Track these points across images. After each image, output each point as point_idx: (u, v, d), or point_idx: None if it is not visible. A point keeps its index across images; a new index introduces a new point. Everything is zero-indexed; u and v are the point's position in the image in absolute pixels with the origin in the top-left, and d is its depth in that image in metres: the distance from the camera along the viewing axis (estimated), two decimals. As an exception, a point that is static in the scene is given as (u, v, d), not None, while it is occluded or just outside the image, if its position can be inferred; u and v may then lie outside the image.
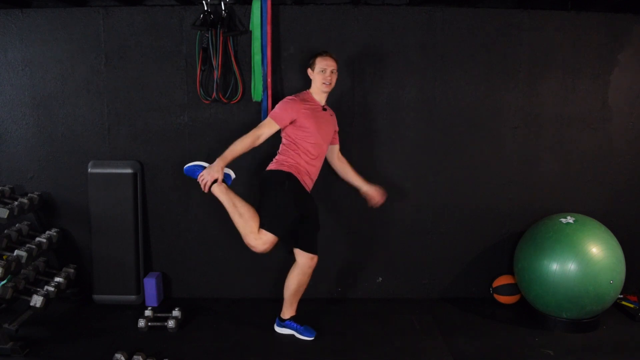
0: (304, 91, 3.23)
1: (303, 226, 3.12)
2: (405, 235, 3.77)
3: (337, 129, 3.37)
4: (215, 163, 3.01)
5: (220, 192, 3.07)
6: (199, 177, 3.06)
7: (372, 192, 3.39)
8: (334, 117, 3.32)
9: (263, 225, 3.01)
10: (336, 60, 3.18)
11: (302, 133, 3.09)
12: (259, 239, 3.01)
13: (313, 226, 3.19)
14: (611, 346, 3.15)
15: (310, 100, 3.17)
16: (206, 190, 3.04)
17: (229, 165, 3.08)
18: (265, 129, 3.07)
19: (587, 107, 3.67)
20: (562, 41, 3.59)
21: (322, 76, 3.12)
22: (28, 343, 3.08)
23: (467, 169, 3.71)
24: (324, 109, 3.22)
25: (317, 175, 3.22)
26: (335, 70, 3.16)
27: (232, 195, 3.07)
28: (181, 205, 3.71)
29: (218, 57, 3.41)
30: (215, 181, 3.03)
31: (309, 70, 3.19)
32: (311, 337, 3.21)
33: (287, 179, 3.07)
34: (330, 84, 3.15)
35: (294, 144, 3.12)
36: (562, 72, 3.62)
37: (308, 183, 3.18)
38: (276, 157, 3.19)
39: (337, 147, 3.40)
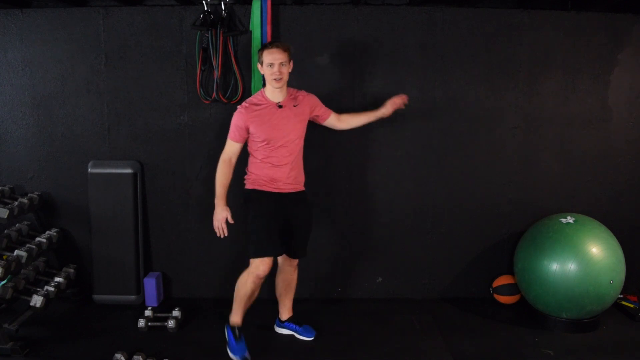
0: (260, 90, 3.04)
1: (289, 233, 3.06)
2: (405, 235, 3.77)
3: (314, 110, 3.13)
4: (216, 208, 2.91)
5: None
6: (214, 225, 2.91)
7: (389, 108, 3.23)
8: (304, 105, 3.05)
9: (249, 253, 2.93)
10: (287, 51, 2.90)
11: (255, 142, 2.95)
12: (250, 273, 2.90)
13: (299, 231, 3.11)
14: (611, 346, 3.15)
15: (262, 102, 2.95)
16: (225, 233, 2.90)
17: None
18: (229, 151, 2.97)
19: (587, 107, 3.67)
20: (562, 41, 3.59)
21: (270, 71, 2.87)
22: (28, 343, 3.08)
23: (467, 169, 3.71)
24: (280, 106, 2.96)
25: (293, 172, 3.03)
26: (285, 62, 2.88)
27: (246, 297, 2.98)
28: (181, 205, 3.71)
29: (218, 57, 3.41)
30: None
31: (258, 65, 2.96)
32: (311, 338, 3.21)
33: (252, 198, 2.99)
34: (281, 78, 2.89)
35: (252, 154, 3.02)
36: (562, 72, 3.62)
37: (282, 187, 3.00)
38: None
39: (332, 116, 3.21)
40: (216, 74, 3.44)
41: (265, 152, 2.96)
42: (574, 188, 3.75)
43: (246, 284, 2.94)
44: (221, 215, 2.89)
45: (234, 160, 2.99)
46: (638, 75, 3.65)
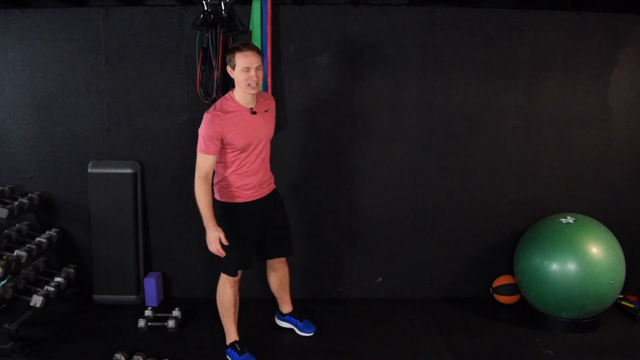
0: (225, 96, 2.79)
1: (266, 238, 3.01)
2: (405, 235, 3.77)
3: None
4: (207, 230, 2.69)
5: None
6: (211, 250, 2.72)
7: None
8: (272, 110, 2.94)
9: (219, 267, 2.91)
10: (260, 54, 2.73)
11: (228, 152, 2.74)
12: (225, 280, 2.90)
13: (279, 231, 3.07)
14: (611, 346, 3.15)
15: (233, 108, 2.72)
16: (223, 254, 2.74)
17: None
18: (205, 166, 2.68)
19: (587, 107, 3.67)
20: (562, 41, 3.59)
21: (245, 76, 2.64)
22: (28, 343, 3.08)
23: (467, 169, 3.71)
24: (254, 112, 2.78)
25: (266, 175, 2.93)
26: (260, 66, 2.68)
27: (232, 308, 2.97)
28: (181, 205, 3.71)
29: (218, 57, 3.41)
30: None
31: (229, 69, 2.71)
32: (311, 333, 3.22)
33: (224, 212, 2.85)
34: (257, 84, 2.68)
35: (222, 165, 2.79)
36: (562, 72, 3.62)
37: (258, 194, 2.88)
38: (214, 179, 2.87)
39: None
40: (216, 74, 3.44)
41: (239, 162, 2.76)
42: (574, 188, 3.75)
43: (226, 293, 2.92)
44: (214, 237, 2.66)
45: (210, 175, 2.71)
46: (638, 75, 3.65)
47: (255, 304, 3.70)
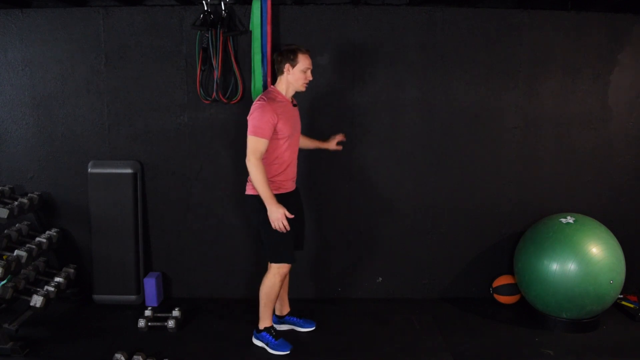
0: (270, 88, 2.99)
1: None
2: (405, 235, 3.77)
3: None
4: (271, 208, 2.79)
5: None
6: (274, 227, 2.83)
7: (332, 143, 3.35)
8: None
9: (272, 258, 3.00)
10: None
11: (276, 139, 2.86)
12: (276, 274, 3.00)
13: (301, 227, 3.20)
14: (611, 346, 3.15)
15: (280, 99, 2.92)
16: (288, 228, 2.84)
17: None
18: (261, 148, 2.80)
19: (587, 107, 3.67)
20: (562, 41, 3.59)
21: (304, 76, 2.91)
22: (28, 343, 3.08)
23: (467, 169, 3.71)
24: (295, 105, 3.04)
25: (296, 168, 3.08)
26: None
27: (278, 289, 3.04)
28: (181, 205, 3.71)
29: (218, 57, 3.41)
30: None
31: (288, 66, 2.89)
32: (312, 328, 3.29)
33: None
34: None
35: (267, 153, 2.87)
36: (562, 72, 3.62)
37: (289, 186, 3.03)
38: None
39: None
40: (216, 74, 3.44)
41: (287, 148, 2.93)
42: (574, 188, 3.75)
43: (275, 286, 3.02)
44: (280, 214, 2.80)
45: (262, 158, 2.85)
46: (638, 75, 3.65)
47: (256, 303, 3.69)
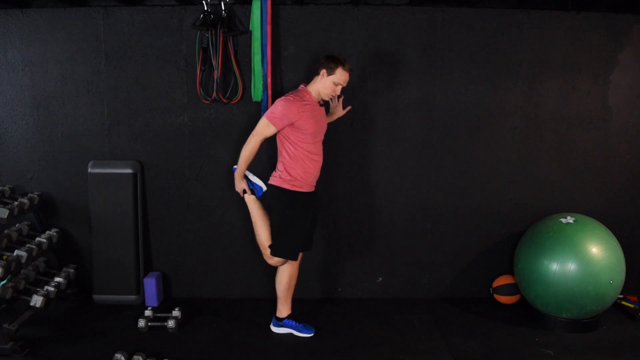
0: (300, 87, 3.11)
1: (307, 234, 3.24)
2: (405, 235, 3.77)
3: None
4: (236, 179, 3.13)
5: (249, 203, 3.19)
6: (237, 189, 3.18)
7: (339, 108, 3.43)
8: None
9: (273, 250, 3.12)
10: None
11: (302, 135, 3.00)
12: (271, 259, 3.16)
13: (313, 229, 3.31)
14: (611, 346, 3.15)
15: (308, 98, 3.05)
16: (248, 193, 3.16)
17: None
18: (265, 133, 2.99)
19: (587, 107, 3.67)
20: (562, 41, 3.59)
21: (333, 88, 3.03)
22: (28, 343, 3.08)
23: (467, 169, 3.71)
24: (321, 105, 3.17)
25: (320, 167, 3.18)
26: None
27: (258, 212, 3.17)
28: (181, 205, 3.71)
29: (218, 57, 3.41)
30: (245, 192, 3.15)
31: (324, 72, 2.99)
32: (310, 334, 3.26)
33: (292, 201, 3.06)
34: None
35: (294, 148, 3.02)
36: (562, 72, 3.62)
37: (313, 182, 3.16)
38: (278, 167, 3.10)
39: None
40: (216, 74, 3.44)
41: (310, 146, 3.04)
42: (574, 188, 3.75)
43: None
44: (239, 188, 3.14)
45: (261, 142, 3.03)
46: (638, 75, 3.65)
47: (256, 303, 3.70)
